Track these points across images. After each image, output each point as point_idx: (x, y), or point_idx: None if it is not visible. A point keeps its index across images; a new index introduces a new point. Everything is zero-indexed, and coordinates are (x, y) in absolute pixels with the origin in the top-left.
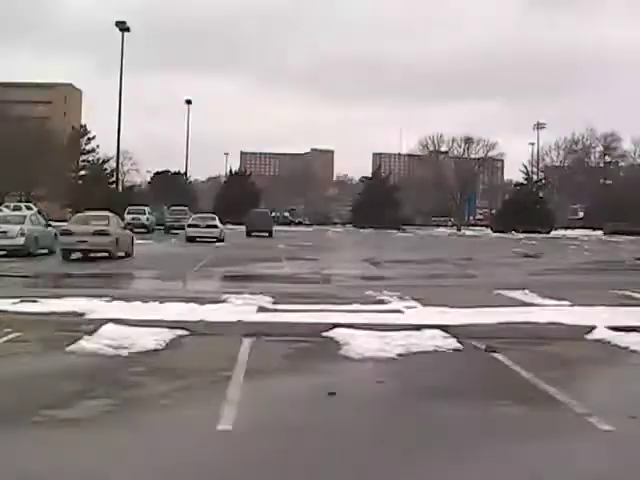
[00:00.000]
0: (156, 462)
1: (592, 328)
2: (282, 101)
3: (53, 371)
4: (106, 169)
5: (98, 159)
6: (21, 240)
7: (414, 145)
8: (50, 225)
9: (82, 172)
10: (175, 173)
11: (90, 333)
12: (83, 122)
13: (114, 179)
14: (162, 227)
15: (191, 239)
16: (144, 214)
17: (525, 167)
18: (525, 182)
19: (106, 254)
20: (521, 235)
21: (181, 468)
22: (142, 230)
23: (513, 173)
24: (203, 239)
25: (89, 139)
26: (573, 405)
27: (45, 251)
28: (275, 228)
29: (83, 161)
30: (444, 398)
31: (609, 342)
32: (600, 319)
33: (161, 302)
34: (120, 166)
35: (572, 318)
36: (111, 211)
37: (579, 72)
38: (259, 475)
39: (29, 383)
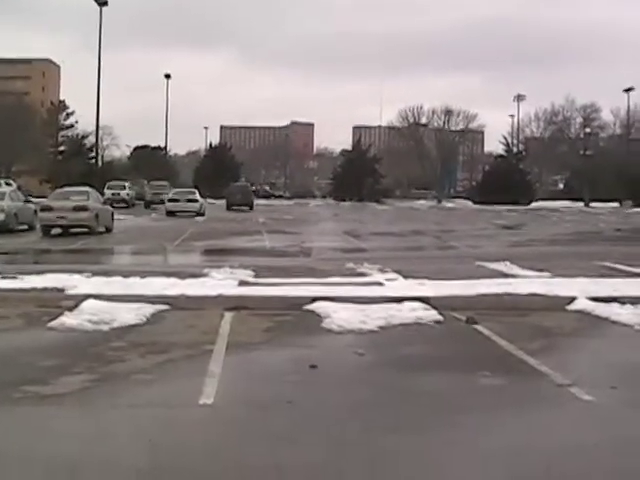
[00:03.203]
0: (138, 436)
1: (573, 299)
2: (262, 75)
3: (34, 347)
4: (85, 144)
5: (77, 134)
6: (1, 216)
7: (394, 117)
8: (30, 201)
9: (61, 147)
10: (155, 148)
11: (71, 309)
12: (62, 98)
13: (94, 154)
14: (142, 202)
15: (171, 213)
16: (124, 189)
17: (505, 139)
18: (505, 154)
19: (86, 229)
20: (502, 207)
21: (163, 442)
22: (122, 205)
23: (493, 145)
24: (183, 213)
25: (68, 114)
26: (554, 376)
27: (25, 227)
28: (255, 202)
29: (62, 136)
30: (425, 370)
31: (590, 313)
32: (581, 290)
33: (142, 277)
34: (99, 141)
35: (553, 289)
36: (91, 186)
37: (559, 44)
38: (240, 448)
39: (10, 360)
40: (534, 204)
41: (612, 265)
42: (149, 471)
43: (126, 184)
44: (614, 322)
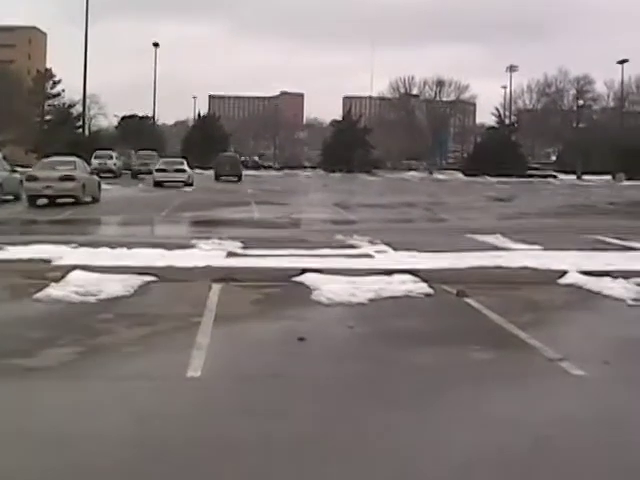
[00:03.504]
0: (125, 409)
1: (564, 272)
2: (252, 45)
3: (20, 319)
4: (72, 113)
5: (64, 103)
6: None
7: (385, 88)
8: (15, 171)
9: (48, 117)
10: (143, 117)
11: (57, 280)
12: (48, 66)
13: (80, 123)
14: (129, 172)
15: (159, 184)
16: (111, 159)
17: (497, 110)
18: (497, 125)
19: (73, 200)
20: (493, 179)
21: (150, 415)
22: (109, 175)
23: (485, 116)
24: (171, 184)
25: (54, 83)
26: (545, 350)
27: (10, 197)
28: (244, 172)
29: (49, 105)
30: (415, 343)
31: (581, 287)
32: (572, 263)
33: (129, 248)
34: (86, 110)
35: (544, 262)
36: (77, 156)
37: (552, 15)
38: (228, 421)
39: None
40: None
41: (604, 239)
42: (136, 444)
43: (113, 154)
44: (606, 296)
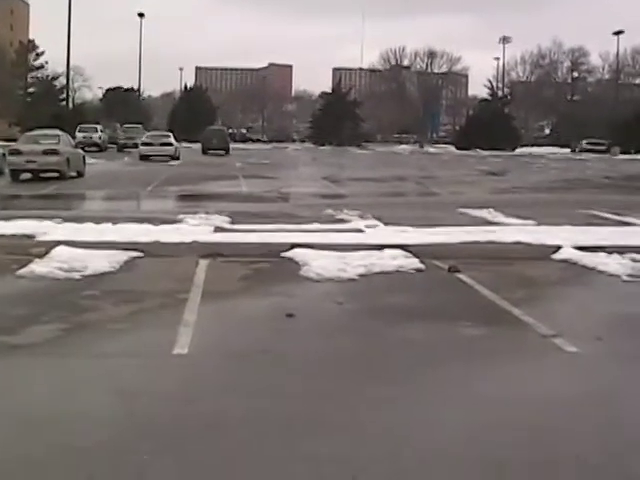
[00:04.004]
0: (111, 387)
1: (558, 248)
2: (239, 16)
3: (2, 296)
4: (56, 86)
5: (47, 75)
6: None
7: (376, 60)
8: None
9: (31, 89)
10: (128, 89)
11: (41, 256)
12: (31, 37)
13: (64, 96)
14: (115, 145)
15: (145, 158)
16: (96, 132)
17: (490, 82)
18: (490, 98)
19: (57, 174)
20: (486, 153)
21: (136, 393)
22: (94, 149)
23: (478, 89)
24: (157, 157)
25: (38, 54)
26: (538, 327)
27: None
28: (232, 146)
29: (32, 77)
30: (406, 320)
31: (575, 262)
32: (567, 239)
33: (114, 223)
34: (70, 82)
35: (538, 237)
36: (61, 129)
37: None
38: (216, 399)
39: None
40: (519, 150)
41: (599, 213)
42: (122, 422)
43: (98, 127)
44: (601, 272)
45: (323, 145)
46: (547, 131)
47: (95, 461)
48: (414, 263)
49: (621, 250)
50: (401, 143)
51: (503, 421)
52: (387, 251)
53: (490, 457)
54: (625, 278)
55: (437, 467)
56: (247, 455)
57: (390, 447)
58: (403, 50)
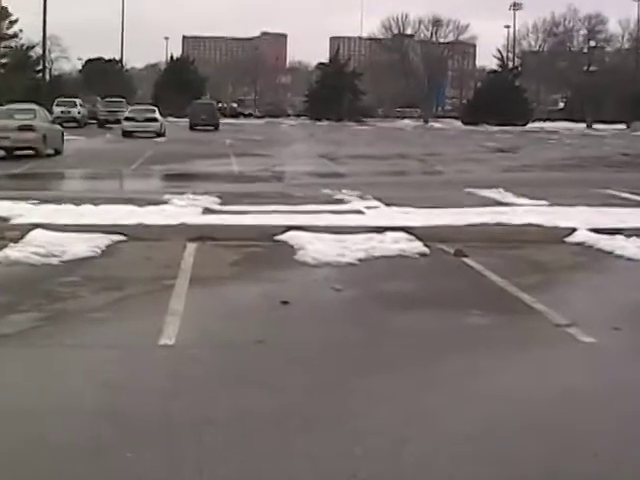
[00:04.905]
0: (92, 380)
1: (573, 230)
2: None
3: None
4: (31, 56)
5: (22, 45)
6: None
7: (376, 28)
8: None
9: (3, 60)
10: (109, 60)
11: (16, 240)
12: (3, 4)
13: (40, 67)
14: (95, 121)
15: (128, 134)
16: (75, 106)
17: (500, 52)
18: (499, 69)
19: (32, 152)
20: (494, 128)
21: (118, 387)
22: (73, 125)
23: (486, 59)
24: (141, 134)
25: (11, 22)
26: (551, 315)
27: None
28: (222, 121)
29: (4, 47)
30: (408, 307)
31: (592, 246)
32: (582, 220)
33: (95, 204)
34: (47, 53)
35: (551, 219)
36: (37, 103)
37: None
38: (205, 394)
39: None
40: (531, 125)
41: (617, 193)
42: (103, 418)
43: (77, 101)
44: (618, 256)
45: (320, 120)
46: (561, 105)
47: (74, 459)
48: (418, 247)
49: None
50: (404, 118)
51: (514, 417)
52: (389, 234)
53: (499, 456)
54: None
55: (441, 465)
56: (239, 453)
57: (391, 443)
58: (406, 17)
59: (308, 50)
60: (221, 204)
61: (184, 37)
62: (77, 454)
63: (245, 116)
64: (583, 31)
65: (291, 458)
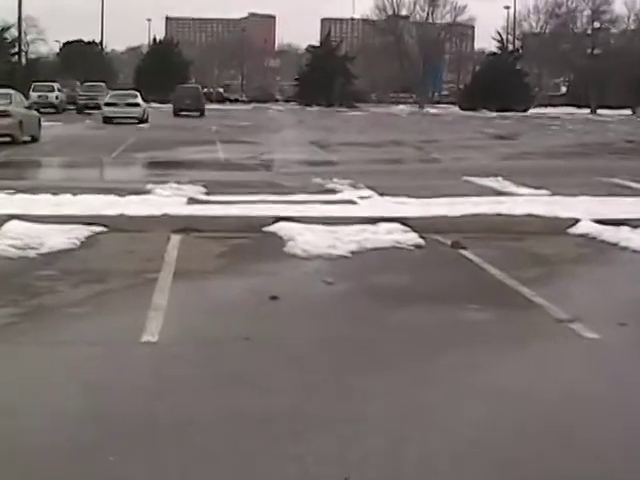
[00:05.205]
0: (69, 379)
1: (576, 221)
2: None
3: None
4: (6, 38)
5: None
6: None
7: (369, 9)
8: None
9: None
10: (89, 43)
11: None
12: None
13: (16, 50)
14: (74, 106)
15: (108, 120)
16: (52, 91)
17: (499, 34)
18: (499, 52)
19: (8, 139)
20: (493, 114)
21: (99, 386)
22: (50, 110)
23: (485, 42)
24: (123, 120)
25: None
26: (553, 310)
27: None
28: (207, 106)
29: None
30: (403, 302)
31: (595, 237)
32: (585, 211)
33: (74, 194)
34: (23, 35)
35: (552, 209)
36: (13, 88)
37: None
38: (190, 394)
39: None
40: (532, 111)
41: (622, 182)
42: (83, 419)
43: (55, 86)
44: (624, 248)
45: (310, 105)
46: (563, 89)
47: (51, 464)
48: (413, 238)
49: None
50: (399, 103)
51: (514, 417)
52: (383, 225)
53: (499, 457)
54: None
55: (438, 468)
56: (226, 456)
57: (386, 445)
58: None
59: (298, 32)
60: (207, 194)
61: (167, 18)
62: (55, 458)
63: (232, 101)
64: (587, 12)
65: (280, 461)
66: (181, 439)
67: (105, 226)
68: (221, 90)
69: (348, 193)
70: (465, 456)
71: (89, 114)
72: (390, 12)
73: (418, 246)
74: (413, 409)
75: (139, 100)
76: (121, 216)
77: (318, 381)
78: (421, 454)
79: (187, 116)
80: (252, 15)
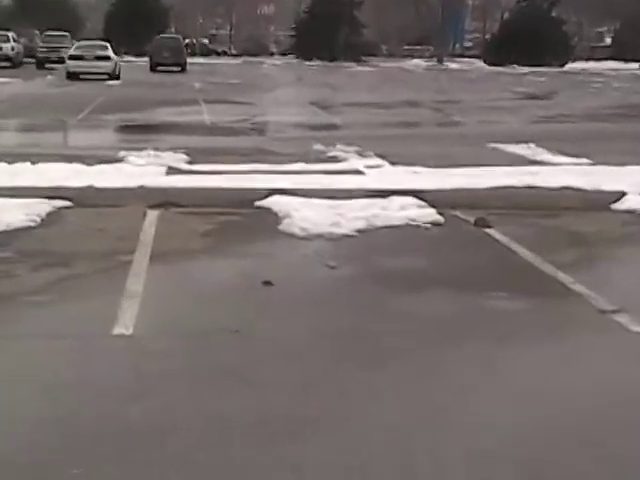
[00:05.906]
0: (30, 378)
1: (622, 194)
2: None
3: None
4: None
5: None
6: None
7: None
8: None
9: None
10: None
11: None
12: None
13: None
14: (33, 60)
15: (74, 76)
16: (7, 42)
17: None
18: None
19: None
20: (525, 69)
21: (64, 385)
22: (5, 64)
23: None
24: (90, 76)
25: None
26: (594, 299)
27: None
28: (189, 60)
29: None
30: (418, 288)
31: None
32: (632, 183)
33: (33, 162)
34: None
35: (593, 181)
36: None
37: None
38: (169, 393)
39: None
40: (570, 65)
41: None
42: (45, 424)
43: (10, 35)
44: None
45: (310, 60)
46: (608, 40)
47: (6, 477)
48: (430, 215)
49: None
50: (413, 57)
51: (549, 422)
52: (394, 199)
53: (532, 475)
54: None
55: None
56: (211, 465)
57: (390, 454)
58: None
59: None
60: (189, 162)
61: None
62: (11, 471)
63: (218, 54)
64: None
65: (272, 469)
66: (160, 446)
67: (70, 200)
68: (206, 41)
69: (354, 162)
70: (487, 468)
71: (51, 69)
72: None
73: (436, 224)
74: (428, 410)
75: (109, 52)
76: (89, 188)
77: (316, 380)
78: (435, 466)
79: (166, 71)
80: None
